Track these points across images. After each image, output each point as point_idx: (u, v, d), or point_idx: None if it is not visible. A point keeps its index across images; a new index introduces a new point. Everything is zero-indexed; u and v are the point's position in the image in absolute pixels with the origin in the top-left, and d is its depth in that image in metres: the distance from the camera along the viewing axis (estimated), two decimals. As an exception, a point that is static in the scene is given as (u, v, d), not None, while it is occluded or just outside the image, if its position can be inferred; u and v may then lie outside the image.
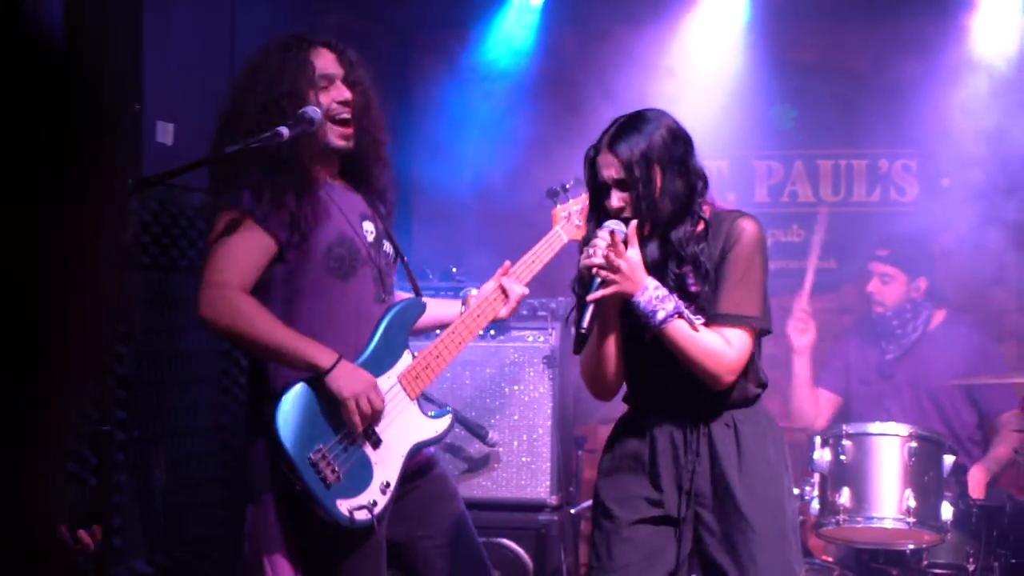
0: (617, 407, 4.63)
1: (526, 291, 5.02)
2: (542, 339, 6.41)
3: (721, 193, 8.31)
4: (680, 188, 4.32)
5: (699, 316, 4.30)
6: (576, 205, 5.14)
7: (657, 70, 8.05)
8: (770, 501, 4.38)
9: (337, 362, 4.50)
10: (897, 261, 7.02)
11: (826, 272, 8.00)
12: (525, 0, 8.18)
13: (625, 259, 4.19)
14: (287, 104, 4.57)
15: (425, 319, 4.96)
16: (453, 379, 6.53)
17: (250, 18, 5.94)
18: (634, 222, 4.25)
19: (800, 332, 7.00)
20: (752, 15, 8.10)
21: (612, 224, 4.26)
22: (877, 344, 7.09)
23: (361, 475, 4.59)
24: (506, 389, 6.54)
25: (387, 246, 4.87)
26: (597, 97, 7.85)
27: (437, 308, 5.08)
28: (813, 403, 7.13)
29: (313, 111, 4.56)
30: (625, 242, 4.24)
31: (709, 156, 8.21)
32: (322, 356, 4.50)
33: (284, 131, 4.44)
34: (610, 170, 4.29)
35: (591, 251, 4.22)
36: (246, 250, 4.55)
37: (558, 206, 5.20)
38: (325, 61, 4.74)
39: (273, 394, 4.53)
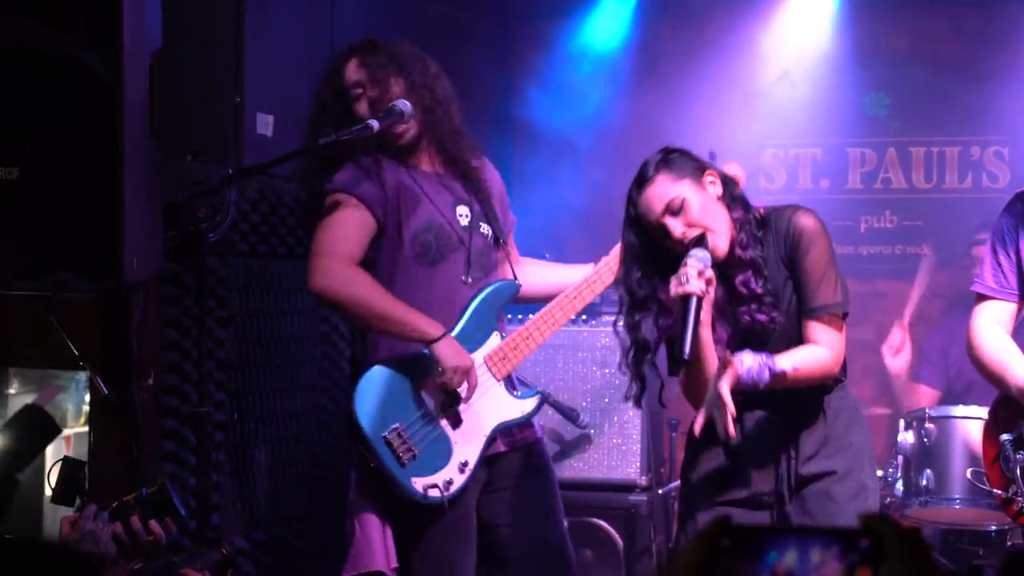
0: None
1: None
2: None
3: (815, 179, 8.43)
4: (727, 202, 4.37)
5: (768, 312, 4.38)
6: None
7: (750, 57, 8.20)
8: (854, 483, 4.42)
9: (445, 334, 4.64)
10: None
11: (917, 258, 8.08)
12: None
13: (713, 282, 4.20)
14: (333, 115, 4.76)
15: (546, 286, 5.06)
16: (546, 363, 6.68)
17: (350, 11, 6.10)
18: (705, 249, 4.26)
19: (894, 355, 7.12)
20: (842, 3, 8.20)
21: (696, 252, 4.21)
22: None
23: (439, 453, 4.72)
24: (597, 372, 6.68)
25: (484, 228, 4.95)
26: (693, 86, 8.02)
27: (563, 274, 5.14)
28: (912, 396, 7.27)
29: (403, 103, 4.70)
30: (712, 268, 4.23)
31: (804, 143, 8.45)
32: (431, 327, 4.62)
33: (375, 123, 4.61)
34: (660, 202, 4.26)
35: (683, 279, 4.14)
36: (353, 226, 4.71)
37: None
38: (350, 70, 4.84)
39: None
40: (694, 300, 4.12)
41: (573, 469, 6.63)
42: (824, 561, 1.37)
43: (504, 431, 4.90)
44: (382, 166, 4.79)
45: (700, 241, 4.25)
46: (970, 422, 5.93)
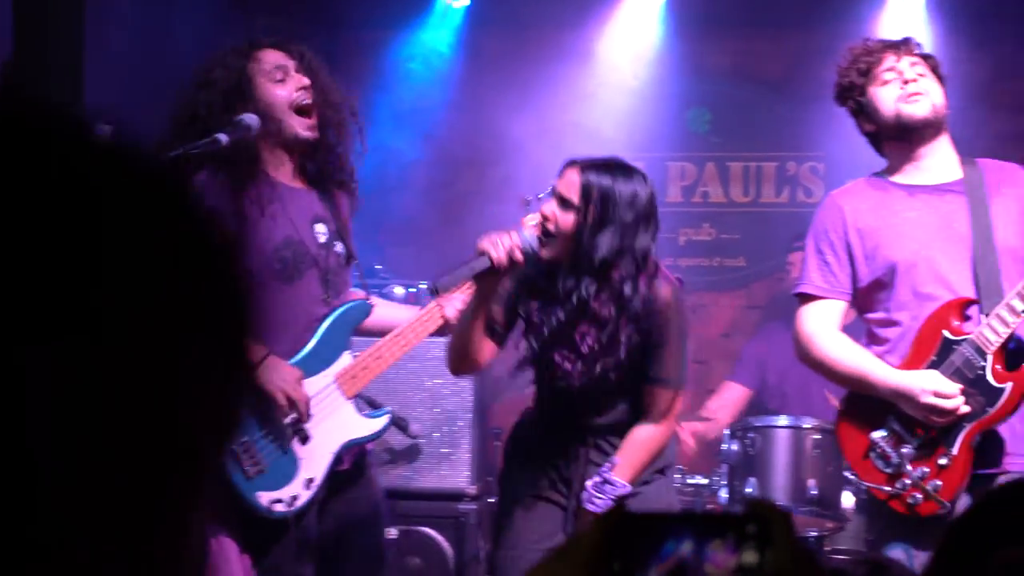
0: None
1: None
2: (464, 335, 6.57)
3: (636, 192, 8.56)
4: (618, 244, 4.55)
5: (583, 367, 4.65)
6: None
7: (571, 74, 8.30)
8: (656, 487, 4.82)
9: (264, 358, 4.60)
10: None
11: (735, 270, 8.29)
12: (448, 3, 8.40)
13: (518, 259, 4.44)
14: (240, 103, 4.67)
15: (377, 322, 5.05)
16: (376, 372, 6.71)
17: (184, 25, 6.08)
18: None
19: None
20: (668, 21, 8.36)
21: (526, 233, 4.51)
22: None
23: (286, 469, 4.71)
24: (428, 383, 6.71)
25: (339, 247, 4.93)
26: (515, 99, 8.09)
27: (391, 312, 5.20)
28: (723, 393, 7.44)
29: (250, 118, 4.62)
30: (524, 253, 4.48)
31: (625, 157, 8.53)
32: (253, 350, 4.61)
33: (223, 137, 4.51)
34: (569, 185, 4.54)
35: (497, 240, 4.43)
36: None
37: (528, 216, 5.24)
38: (275, 56, 4.81)
39: None
40: (486, 260, 4.40)
41: (403, 478, 6.66)
42: (716, 546, 1.37)
43: (351, 449, 4.92)
44: (231, 181, 4.70)
45: (545, 233, 4.50)
46: (791, 431, 6.10)
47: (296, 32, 7.80)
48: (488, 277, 4.49)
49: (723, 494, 6.18)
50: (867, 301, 4.80)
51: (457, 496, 6.71)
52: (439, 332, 5.07)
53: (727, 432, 6.28)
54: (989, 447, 4.59)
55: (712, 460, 6.34)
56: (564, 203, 4.53)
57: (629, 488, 4.61)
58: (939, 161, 4.85)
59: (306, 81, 4.79)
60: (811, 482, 6.00)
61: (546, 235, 4.54)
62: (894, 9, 8.23)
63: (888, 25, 8.15)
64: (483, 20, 8.48)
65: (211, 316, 1.01)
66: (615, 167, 4.62)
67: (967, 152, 7.45)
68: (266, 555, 4.76)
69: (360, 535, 5.03)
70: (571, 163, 4.62)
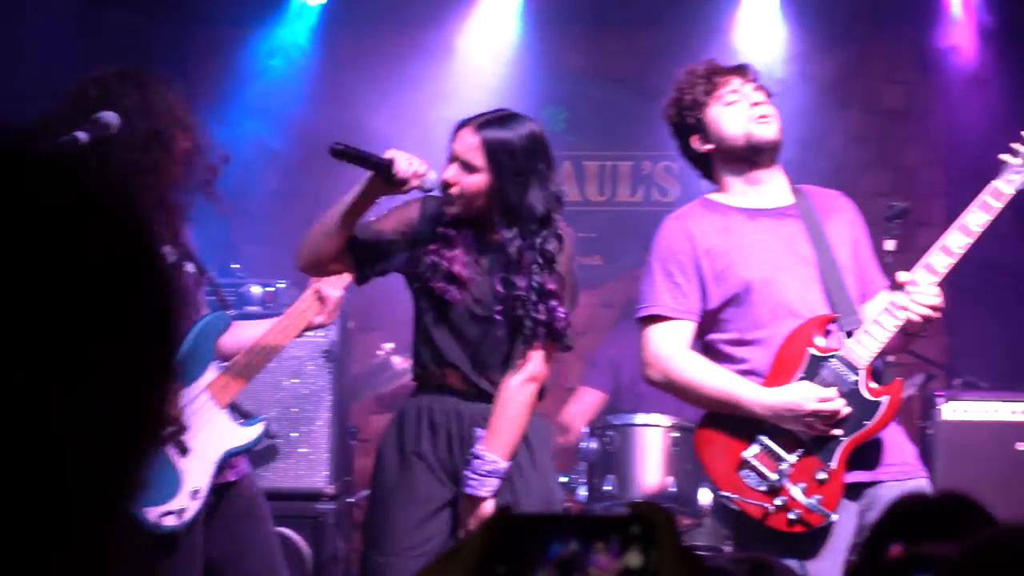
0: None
1: (340, 294, 5.10)
2: (322, 334, 6.53)
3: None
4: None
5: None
6: None
7: (431, 72, 8.31)
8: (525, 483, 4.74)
9: None
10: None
11: (591, 269, 8.34)
12: (303, 1, 8.38)
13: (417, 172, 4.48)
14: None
15: (234, 342, 5.02)
16: (232, 372, 6.66)
17: (40, 20, 5.98)
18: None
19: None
20: (525, 19, 8.40)
21: (431, 176, 4.55)
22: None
23: (169, 482, 4.69)
24: (286, 383, 6.69)
25: (189, 267, 4.87)
26: (374, 97, 8.07)
27: (249, 331, 5.12)
28: (579, 397, 7.48)
29: (109, 115, 4.41)
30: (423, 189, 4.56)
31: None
32: None
33: (81, 135, 4.30)
34: (465, 146, 4.61)
35: (409, 162, 4.47)
36: None
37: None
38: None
39: None
40: (385, 165, 4.46)
41: (261, 479, 6.58)
42: (600, 548, 1.40)
43: (231, 459, 4.92)
44: None
45: (445, 186, 4.59)
46: (649, 429, 6.18)
47: (152, 29, 7.74)
48: (380, 179, 4.49)
49: (582, 492, 6.23)
50: (715, 322, 4.86)
51: (315, 496, 6.68)
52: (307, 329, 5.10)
53: (586, 430, 6.33)
54: (860, 456, 4.69)
55: (571, 458, 6.38)
56: (467, 166, 4.57)
57: (502, 464, 4.57)
58: (774, 186, 4.96)
59: None
60: (669, 479, 6.07)
61: (448, 195, 4.60)
62: (748, 8, 8.34)
63: (742, 24, 8.28)
64: (340, 18, 8.45)
65: (138, 324, 1.00)
66: (508, 118, 4.67)
67: (817, 152, 7.60)
68: (162, 571, 4.72)
69: (252, 537, 5.05)
70: (463, 124, 4.66)
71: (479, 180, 4.59)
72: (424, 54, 8.36)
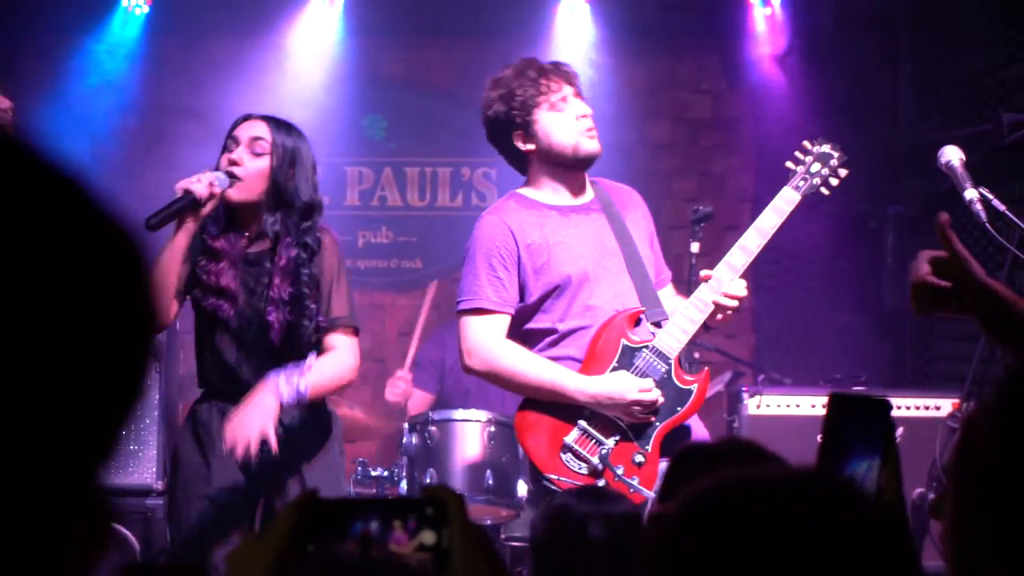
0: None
1: None
2: (151, 333, 6.62)
3: (315, 196, 8.71)
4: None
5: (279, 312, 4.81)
6: None
7: (256, 80, 8.42)
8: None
9: None
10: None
11: (413, 271, 8.55)
12: (128, 9, 8.43)
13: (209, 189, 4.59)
14: None
15: None
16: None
17: None
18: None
19: (395, 395, 7.47)
20: (346, 29, 8.56)
21: (220, 175, 4.69)
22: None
23: None
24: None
25: None
26: (200, 107, 8.16)
27: None
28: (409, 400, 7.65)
29: None
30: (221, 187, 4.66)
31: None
32: None
33: None
34: (252, 131, 4.79)
35: (195, 179, 4.58)
36: None
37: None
38: None
39: None
40: (189, 198, 4.54)
41: (89, 477, 6.69)
42: (398, 526, 1.58)
43: None
44: None
45: (231, 176, 4.70)
46: (468, 424, 6.35)
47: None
48: (192, 212, 4.60)
49: (403, 485, 6.37)
50: (533, 313, 5.10)
51: (145, 492, 6.76)
52: None
53: (406, 426, 6.49)
54: (672, 439, 5.00)
55: (393, 453, 6.57)
56: (253, 150, 4.76)
57: (307, 391, 4.70)
58: (579, 183, 5.22)
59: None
60: (487, 472, 6.23)
61: (233, 178, 4.74)
62: (563, 21, 8.61)
63: (557, 37, 8.52)
64: (163, 27, 8.52)
65: (120, 319, 1.05)
66: (287, 124, 4.87)
67: (626, 159, 7.88)
68: None
69: None
70: (249, 116, 4.86)
71: (263, 164, 4.77)
72: (249, 61, 8.47)
